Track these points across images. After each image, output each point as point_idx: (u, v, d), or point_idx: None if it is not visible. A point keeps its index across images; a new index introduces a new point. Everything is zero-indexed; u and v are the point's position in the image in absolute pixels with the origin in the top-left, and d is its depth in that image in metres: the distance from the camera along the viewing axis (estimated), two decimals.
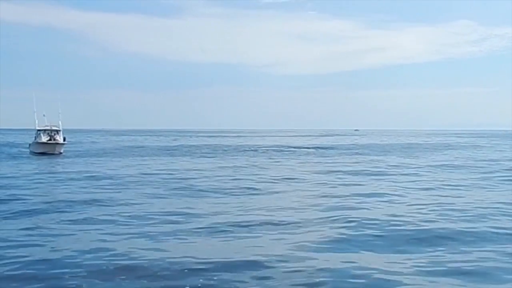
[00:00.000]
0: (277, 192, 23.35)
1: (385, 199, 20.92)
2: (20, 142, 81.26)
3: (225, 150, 65.80)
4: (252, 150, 65.76)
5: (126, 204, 19.33)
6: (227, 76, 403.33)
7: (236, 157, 52.35)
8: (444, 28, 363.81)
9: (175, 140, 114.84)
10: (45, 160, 47.64)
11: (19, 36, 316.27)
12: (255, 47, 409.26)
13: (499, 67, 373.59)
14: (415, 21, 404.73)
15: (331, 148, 72.34)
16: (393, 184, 26.52)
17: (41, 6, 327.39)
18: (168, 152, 62.83)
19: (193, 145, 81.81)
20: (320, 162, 44.70)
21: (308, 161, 46.70)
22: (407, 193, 22.77)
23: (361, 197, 21.27)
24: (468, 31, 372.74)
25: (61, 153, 55.31)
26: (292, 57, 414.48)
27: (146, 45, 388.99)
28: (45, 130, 56.48)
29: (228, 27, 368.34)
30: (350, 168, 36.10)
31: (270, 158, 50.37)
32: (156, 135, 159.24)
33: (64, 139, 56.97)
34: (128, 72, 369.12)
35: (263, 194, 22.95)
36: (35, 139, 57.18)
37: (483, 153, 58.56)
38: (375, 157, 51.01)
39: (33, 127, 58.68)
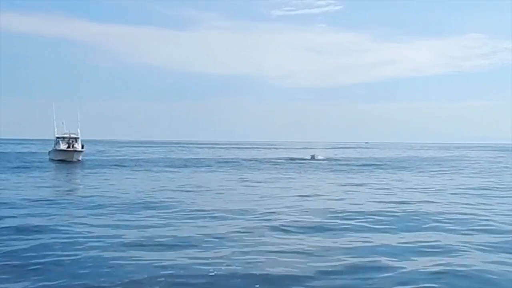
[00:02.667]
0: None
1: None
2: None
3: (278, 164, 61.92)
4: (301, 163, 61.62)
5: None
6: (238, 88, 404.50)
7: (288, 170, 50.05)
8: (453, 41, 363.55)
9: (196, 152, 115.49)
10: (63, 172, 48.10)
11: (33, 47, 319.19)
12: (265, 59, 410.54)
13: (510, 80, 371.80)
14: (424, 34, 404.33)
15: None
16: None
17: (55, 18, 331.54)
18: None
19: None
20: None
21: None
22: None
23: None
24: (478, 44, 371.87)
25: (79, 160, 56.31)
26: (302, 69, 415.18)
27: (157, 56, 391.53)
28: (64, 137, 57.41)
29: (239, 40, 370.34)
30: None
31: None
32: (171, 146, 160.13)
33: (83, 147, 57.90)
34: (139, 83, 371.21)
35: None
36: (54, 146, 58.21)
37: None
38: None
39: (51, 137, 59.85)
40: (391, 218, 18.64)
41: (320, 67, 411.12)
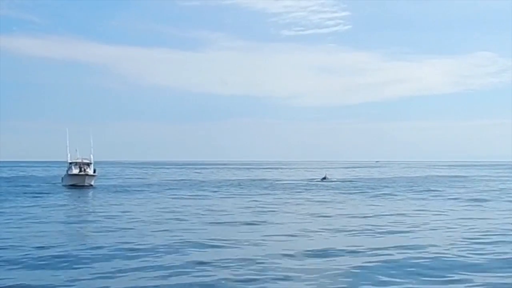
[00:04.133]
0: None
1: None
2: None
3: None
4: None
5: None
6: (249, 108, 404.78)
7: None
8: (463, 60, 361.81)
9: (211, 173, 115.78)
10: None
11: (45, 70, 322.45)
12: (276, 79, 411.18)
13: None
14: (434, 53, 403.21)
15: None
16: None
17: (66, 41, 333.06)
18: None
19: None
20: None
21: None
22: None
23: None
24: (488, 62, 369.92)
25: (91, 185, 57.00)
26: (312, 89, 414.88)
27: (168, 77, 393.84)
28: (76, 162, 58.30)
29: (249, 60, 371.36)
30: None
31: None
32: (182, 168, 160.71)
33: (94, 171, 58.66)
34: (150, 105, 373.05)
35: None
36: (67, 171, 59.08)
37: None
38: None
39: (64, 159, 60.70)
40: None
41: (330, 87, 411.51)
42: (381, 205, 36.99)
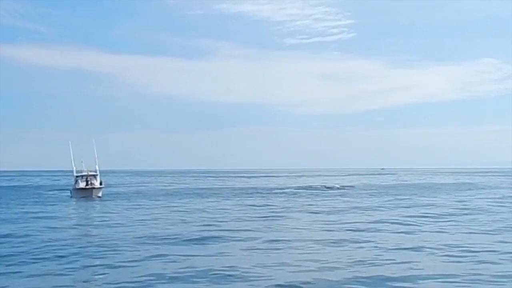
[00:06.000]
0: None
1: None
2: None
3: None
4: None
5: None
6: (253, 116, 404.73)
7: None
8: (468, 67, 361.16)
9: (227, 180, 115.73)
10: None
11: (49, 78, 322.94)
12: (281, 87, 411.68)
13: None
14: (438, 60, 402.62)
15: None
16: None
17: (71, 50, 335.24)
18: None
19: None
20: None
21: None
22: None
23: None
24: (492, 69, 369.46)
25: (99, 196, 57.22)
26: (317, 96, 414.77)
27: (173, 86, 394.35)
28: (82, 175, 58.36)
29: (254, 68, 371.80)
30: None
31: None
32: (187, 176, 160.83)
33: (101, 183, 58.90)
34: (156, 113, 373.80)
35: None
36: (74, 185, 59.10)
37: None
38: None
39: (69, 168, 60.78)
40: None
41: (335, 94, 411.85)
42: None
